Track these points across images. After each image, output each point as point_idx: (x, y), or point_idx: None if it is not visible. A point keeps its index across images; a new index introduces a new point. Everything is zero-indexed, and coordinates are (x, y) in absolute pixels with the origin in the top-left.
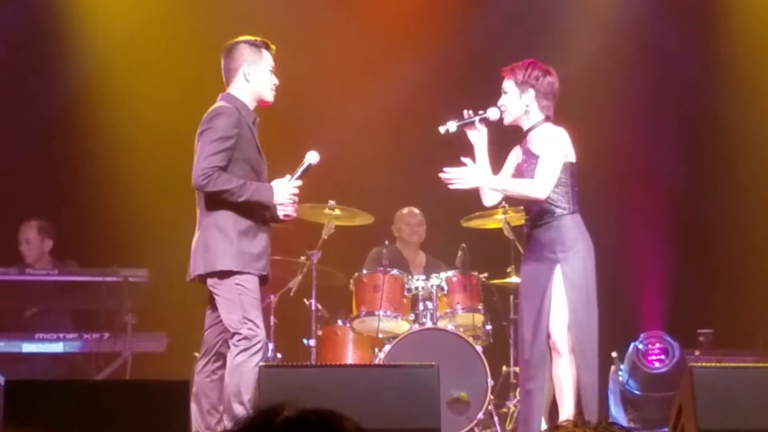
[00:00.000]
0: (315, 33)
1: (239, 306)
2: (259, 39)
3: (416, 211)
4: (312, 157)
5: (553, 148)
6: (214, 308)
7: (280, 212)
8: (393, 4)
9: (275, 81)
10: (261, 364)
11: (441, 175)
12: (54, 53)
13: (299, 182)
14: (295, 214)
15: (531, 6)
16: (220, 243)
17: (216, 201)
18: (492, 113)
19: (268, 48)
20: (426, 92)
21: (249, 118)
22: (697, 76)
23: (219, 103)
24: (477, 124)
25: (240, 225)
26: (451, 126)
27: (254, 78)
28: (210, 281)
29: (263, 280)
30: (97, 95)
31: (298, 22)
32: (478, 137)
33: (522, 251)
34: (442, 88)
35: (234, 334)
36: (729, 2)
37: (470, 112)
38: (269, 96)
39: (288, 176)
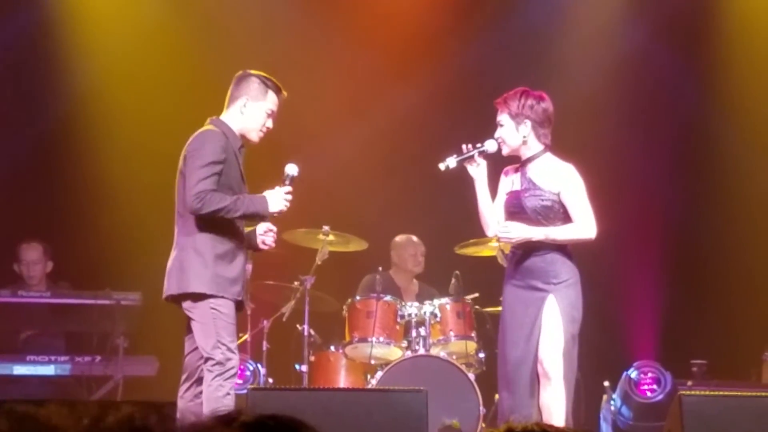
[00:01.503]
0: (310, 58)
1: (213, 330)
2: (271, 80)
3: (415, 239)
4: (291, 170)
5: (578, 186)
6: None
7: (260, 240)
8: (389, 30)
9: (269, 125)
10: (250, 387)
11: (489, 233)
12: (48, 73)
13: (289, 188)
14: (274, 245)
15: (527, 32)
16: (195, 265)
17: (196, 223)
18: (490, 146)
19: (277, 91)
20: (421, 118)
21: (235, 144)
22: (694, 104)
23: (206, 126)
24: (476, 157)
25: (217, 249)
26: (451, 162)
27: (248, 113)
28: (185, 304)
29: (239, 306)
30: (91, 115)
31: (293, 46)
32: (478, 171)
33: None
34: (438, 114)
35: (207, 359)
36: (726, 29)
37: (469, 146)
38: (254, 137)
39: (277, 187)
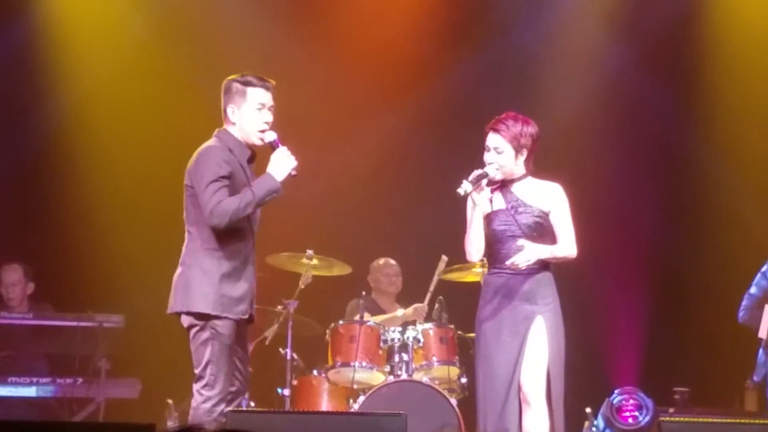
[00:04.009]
0: (296, 81)
1: (209, 350)
2: (249, 75)
3: (392, 261)
4: (271, 136)
5: (566, 206)
6: None
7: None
8: (376, 55)
9: (267, 119)
10: (230, 409)
11: (508, 262)
12: (32, 95)
13: (284, 147)
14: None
15: (512, 59)
16: (201, 284)
17: (202, 241)
18: (492, 172)
19: (258, 84)
20: (407, 143)
21: (242, 155)
22: (678, 132)
23: (211, 141)
24: (483, 184)
25: (223, 267)
26: (467, 187)
27: (239, 119)
28: (186, 320)
29: (248, 321)
30: (75, 138)
31: (279, 70)
32: (481, 197)
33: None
34: (423, 139)
35: (198, 378)
36: (707, 55)
37: (478, 171)
38: (255, 139)
39: (272, 156)
